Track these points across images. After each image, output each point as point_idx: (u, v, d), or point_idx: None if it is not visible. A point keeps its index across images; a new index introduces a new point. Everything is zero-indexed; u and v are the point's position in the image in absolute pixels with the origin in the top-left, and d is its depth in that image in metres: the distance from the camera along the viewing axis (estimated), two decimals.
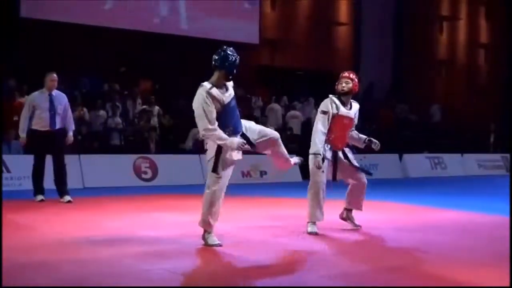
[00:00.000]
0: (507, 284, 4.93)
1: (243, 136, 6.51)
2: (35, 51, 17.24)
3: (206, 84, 6.33)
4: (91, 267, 5.46)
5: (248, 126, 6.70)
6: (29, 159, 10.68)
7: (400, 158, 18.58)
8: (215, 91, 6.29)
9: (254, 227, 7.82)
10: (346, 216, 7.80)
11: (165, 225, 7.99)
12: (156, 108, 16.62)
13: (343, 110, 7.47)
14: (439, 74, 27.19)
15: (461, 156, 20.22)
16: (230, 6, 20.38)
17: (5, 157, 12.41)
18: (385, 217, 9.00)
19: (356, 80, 7.64)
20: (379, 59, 24.79)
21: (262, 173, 15.48)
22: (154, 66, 18.92)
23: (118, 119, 15.99)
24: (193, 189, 12.94)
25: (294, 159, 7.26)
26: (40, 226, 7.71)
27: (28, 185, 11.20)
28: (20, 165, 12.24)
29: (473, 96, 26.98)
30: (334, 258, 6.21)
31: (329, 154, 7.41)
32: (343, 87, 7.55)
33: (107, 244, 6.52)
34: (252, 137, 6.60)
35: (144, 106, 16.80)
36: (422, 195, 12.96)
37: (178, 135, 16.86)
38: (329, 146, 7.42)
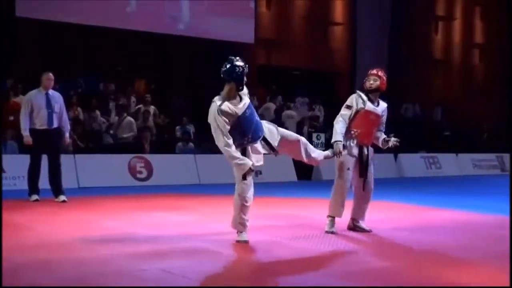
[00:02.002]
0: (507, 284, 4.92)
1: (264, 140, 6.61)
2: (30, 51, 17.20)
3: (217, 100, 6.42)
4: (88, 267, 5.44)
5: (270, 129, 6.74)
6: (24, 158, 10.65)
7: (395, 158, 18.60)
8: (226, 106, 6.36)
9: (250, 227, 7.80)
10: (353, 225, 7.66)
11: (161, 225, 7.97)
12: (152, 107, 16.60)
13: (370, 106, 7.41)
14: (434, 74, 27.22)
15: (456, 156, 20.24)
16: (225, 5, 20.34)
17: None
18: (382, 216, 8.99)
19: (384, 77, 7.55)
20: (375, 59, 24.74)
21: (258, 173, 15.45)
22: (149, 66, 18.90)
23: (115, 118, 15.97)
24: (189, 189, 12.97)
25: (324, 154, 7.27)
26: (35, 226, 7.68)
27: (23, 185, 11.19)
28: (15, 165, 12.19)
29: (469, 96, 27.02)
30: (330, 258, 6.20)
31: (355, 151, 7.35)
32: (371, 84, 7.46)
33: (103, 244, 6.50)
34: (273, 142, 6.68)
35: (140, 106, 16.78)
36: (418, 194, 12.98)
37: (173, 135, 16.84)
38: (355, 141, 7.35)
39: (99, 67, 18.31)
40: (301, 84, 22.85)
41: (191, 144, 16.44)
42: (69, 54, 17.91)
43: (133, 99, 17.27)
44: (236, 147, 6.42)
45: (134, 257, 5.84)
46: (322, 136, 17.17)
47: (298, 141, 6.94)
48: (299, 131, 7.16)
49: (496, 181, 17.52)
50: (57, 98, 10.25)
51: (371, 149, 7.57)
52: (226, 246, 6.38)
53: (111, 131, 14.85)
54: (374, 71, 7.57)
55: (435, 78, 27.20)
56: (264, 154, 6.68)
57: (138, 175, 14.00)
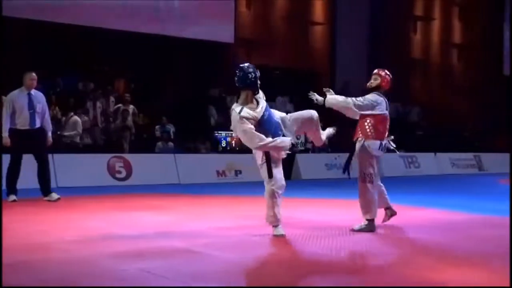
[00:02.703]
0: (507, 284, 4.93)
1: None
2: (8, 50, 17.02)
3: (236, 108, 6.65)
4: (67, 268, 5.40)
5: (283, 120, 7.00)
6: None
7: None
8: (245, 112, 6.60)
9: (230, 226, 7.80)
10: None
11: (140, 224, 7.94)
12: (131, 107, 16.54)
13: None
14: (413, 74, 27.40)
15: (435, 155, 20.40)
16: (204, 5, 20.30)
17: None
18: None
19: (387, 76, 7.73)
20: (355, 59, 24.89)
21: (237, 172, 15.48)
22: (129, 66, 18.80)
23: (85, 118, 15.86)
24: (168, 189, 12.94)
25: (327, 132, 7.57)
26: (13, 226, 7.60)
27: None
28: None
29: (447, 95, 27.23)
30: (311, 258, 6.21)
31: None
32: (371, 83, 7.69)
33: (82, 244, 6.47)
34: (290, 130, 6.99)
35: (119, 105, 16.70)
36: (397, 194, 12.99)
37: (153, 134, 16.80)
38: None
39: (78, 66, 18.18)
40: (281, 83, 22.87)
41: (170, 144, 16.42)
42: (47, 53, 17.75)
43: (112, 98, 17.19)
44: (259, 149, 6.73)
45: (113, 257, 5.81)
46: (302, 135, 17.21)
47: (312, 118, 7.25)
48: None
49: (474, 180, 17.68)
50: (39, 98, 10.21)
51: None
52: (205, 246, 6.37)
53: (58, 132, 14.60)
54: (376, 70, 7.77)
55: (414, 77, 27.38)
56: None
57: (117, 175, 13.94)
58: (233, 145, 16.95)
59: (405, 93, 25.99)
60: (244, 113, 6.59)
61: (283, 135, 6.85)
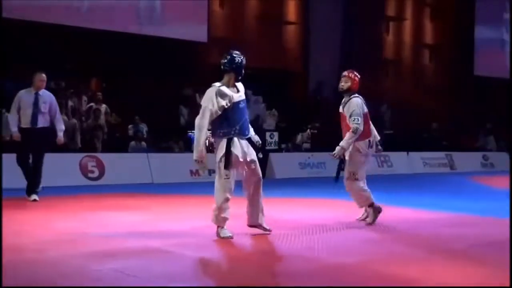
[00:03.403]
0: (507, 284, 4.98)
1: (249, 140, 7.00)
2: None
3: (216, 84, 6.82)
4: (39, 268, 5.38)
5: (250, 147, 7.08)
6: None
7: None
8: (225, 88, 6.76)
9: (203, 226, 7.79)
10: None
11: (113, 224, 7.90)
12: (104, 106, 16.42)
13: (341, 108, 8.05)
14: (386, 74, 27.59)
15: (407, 154, 20.57)
16: (178, 4, 20.23)
17: None
18: (335, 214, 9.08)
19: (356, 78, 7.99)
20: (328, 58, 24.98)
21: (211, 172, 15.42)
22: (101, 65, 18.67)
23: (64, 117, 15.73)
24: (141, 188, 12.88)
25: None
26: None
27: None
28: None
29: (418, 95, 27.46)
30: (284, 256, 6.23)
31: None
32: (342, 85, 7.98)
33: (55, 245, 6.43)
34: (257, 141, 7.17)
35: (91, 104, 16.57)
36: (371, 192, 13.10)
37: (126, 134, 16.70)
38: None
39: (50, 65, 17.99)
40: (254, 83, 22.87)
41: (143, 143, 16.33)
42: (20, 52, 17.55)
43: (84, 98, 17.05)
44: (222, 137, 6.76)
45: (86, 257, 5.78)
46: (276, 134, 17.30)
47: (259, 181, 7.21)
48: (255, 129, 7.31)
49: (445, 179, 17.87)
50: (46, 98, 10.33)
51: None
52: (179, 246, 6.36)
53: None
54: (346, 73, 8.02)
55: (386, 77, 27.57)
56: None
57: (90, 175, 13.83)
58: (207, 144, 16.91)
59: (377, 93, 26.17)
60: (223, 89, 6.76)
61: (250, 140, 7.01)
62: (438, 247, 6.72)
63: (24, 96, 10.23)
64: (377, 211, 8.05)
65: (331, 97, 24.96)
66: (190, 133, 17.32)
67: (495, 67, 27.83)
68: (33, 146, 10.28)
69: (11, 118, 10.32)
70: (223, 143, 6.77)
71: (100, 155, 14.32)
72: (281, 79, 23.54)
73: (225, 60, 6.96)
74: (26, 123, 10.16)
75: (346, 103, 7.96)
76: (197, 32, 20.66)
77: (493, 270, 5.42)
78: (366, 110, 7.99)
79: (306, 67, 24.87)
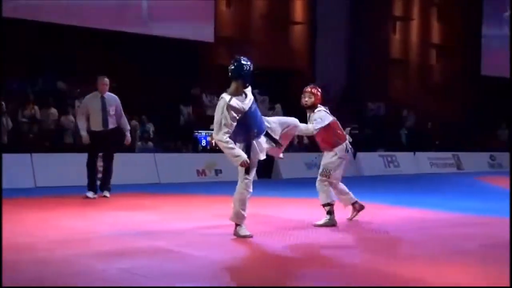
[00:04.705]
0: (507, 284, 4.99)
1: (267, 134, 7.03)
2: None
3: (225, 96, 6.73)
4: (47, 267, 5.39)
5: (270, 121, 7.20)
6: None
7: (354, 156, 18.78)
8: (234, 102, 6.68)
9: (210, 226, 7.81)
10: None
11: (120, 224, 7.92)
12: None
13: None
14: (392, 73, 27.55)
15: (414, 154, 20.54)
16: (185, 4, 20.26)
17: None
18: (340, 215, 9.07)
19: (318, 93, 8.14)
20: (334, 58, 24.97)
21: (218, 172, 15.46)
22: (109, 65, 18.70)
23: (71, 118, 15.81)
24: (148, 188, 12.90)
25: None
26: None
27: None
28: None
29: (425, 95, 27.40)
30: (289, 257, 6.23)
31: None
32: (306, 101, 8.10)
33: (62, 244, 6.45)
34: (276, 132, 7.16)
35: None
36: (376, 193, 13.11)
37: (133, 134, 16.72)
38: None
39: (58, 65, 18.05)
40: (261, 82, 22.86)
41: (150, 143, 16.37)
42: (27, 53, 17.62)
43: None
44: (242, 142, 6.80)
45: (94, 257, 5.80)
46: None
47: (296, 126, 7.57)
48: None
49: (452, 179, 17.83)
50: (112, 101, 10.73)
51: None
52: (186, 246, 6.37)
53: None
54: (309, 89, 8.16)
55: (393, 77, 27.53)
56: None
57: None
58: (213, 144, 16.94)
59: (384, 93, 26.15)
60: (233, 103, 6.68)
61: (267, 131, 7.02)
62: (444, 247, 6.71)
63: (91, 101, 10.68)
64: (331, 217, 7.95)
65: (338, 97, 25.00)
66: (196, 133, 17.37)
67: (502, 67, 27.72)
68: (105, 147, 10.77)
69: (80, 122, 10.73)
70: (243, 149, 6.80)
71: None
72: (287, 78, 23.52)
73: (233, 67, 6.83)
74: (97, 126, 10.59)
75: (311, 117, 8.16)
76: (204, 32, 20.69)
77: (499, 270, 5.41)
78: (334, 118, 8.17)
79: (312, 66, 24.85)
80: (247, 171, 6.79)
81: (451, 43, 28.83)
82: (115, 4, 18.93)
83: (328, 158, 8.13)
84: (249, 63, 6.87)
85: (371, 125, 22.90)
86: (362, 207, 8.41)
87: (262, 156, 6.96)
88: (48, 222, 8.04)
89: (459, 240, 7.13)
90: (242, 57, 6.94)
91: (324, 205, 8.00)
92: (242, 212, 6.87)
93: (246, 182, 6.83)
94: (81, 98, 16.86)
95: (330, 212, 7.94)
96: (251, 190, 6.87)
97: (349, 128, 8.51)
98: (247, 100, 6.82)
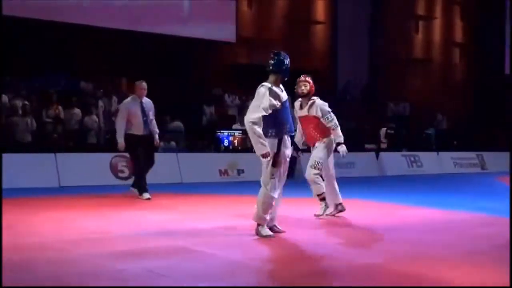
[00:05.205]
0: (507, 284, 4.96)
1: (292, 138, 7.22)
2: (11, 49, 17.05)
3: (267, 84, 6.88)
4: (66, 267, 5.41)
5: None
6: (4, 157, 10.68)
7: (377, 156, 18.70)
8: (276, 88, 6.86)
9: (232, 226, 7.82)
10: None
11: (142, 224, 7.97)
12: None
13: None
14: (414, 73, 27.39)
15: (437, 154, 20.39)
16: (206, 4, 20.32)
17: None
18: (362, 215, 9.05)
19: (311, 82, 8.45)
20: (356, 58, 24.90)
21: (240, 172, 15.48)
22: (131, 65, 18.83)
23: (95, 118, 15.94)
24: (171, 188, 12.95)
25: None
26: (15, 225, 7.63)
27: (3, 184, 11.21)
28: None
29: (448, 94, 27.20)
30: (312, 255, 6.22)
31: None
32: (302, 90, 8.39)
33: (83, 243, 6.48)
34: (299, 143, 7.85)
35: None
36: (399, 193, 13.05)
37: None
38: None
39: (81, 65, 18.21)
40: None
41: (173, 143, 16.43)
42: (49, 53, 17.78)
43: (114, 98, 17.20)
44: (275, 137, 6.81)
45: (114, 256, 5.82)
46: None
47: None
48: None
49: (474, 179, 17.67)
50: (149, 106, 10.88)
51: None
52: (207, 245, 6.38)
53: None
54: (303, 78, 8.47)
55: (415, 77, 27.37)
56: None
57: (120, 174, 13.95)
58: (236, 144, 16.97)
59: (406, 92, 26.01)
60: (274, 89, 6.83)
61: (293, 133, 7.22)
62: (463, 247, 6.67)
63: (131, 105, 10.78)
64: (326, 205, 8.45)
65: (359, 96, 24.91)
66: (218, 133, 17.40)
67: None
68: (147, 150, 10.90)
69: (119, 127, 10.79)
70: (274, 142, 6.80)
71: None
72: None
73: (274, 61, 6.97)
74: (139, 130, 10.71)
75: (310, 106, 8.37)
76: (226, 32, 20.74)
77: None
78: None
79: (334, 66, 24.79)
80: (275, 164, 6.76)
81: (474, 42, 28.60)
82: (139, 4, 19.04)
83: (319, 150, 8.42)
84: (288, 59, 7.01)
85: (394, 124, 22.78)
86: (343, 210, 8.60)
87: (289, 152, 7.03)
88: (68, 222, 8.10)
89: (480, 240, 7.09)
90: (281, 52, 7.05)
91: (318, 195, 8.40)
92: (264, 215, 6.86)
93: (271, 183, 6.80)
94: (104, 99, 17.04)
95: (324, 199, 8.40)
96: (275, 195, 6.83)
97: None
98: (283, 94, 6.97)
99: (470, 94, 27.77)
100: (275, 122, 6.79)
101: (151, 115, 10.88)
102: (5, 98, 14.90)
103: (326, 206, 8.42)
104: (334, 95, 24.51)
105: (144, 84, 10.91)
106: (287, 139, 6.98)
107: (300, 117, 8.53)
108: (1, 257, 5.33)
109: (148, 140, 10.85)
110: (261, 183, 6.91)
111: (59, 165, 13.13)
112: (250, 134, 6.70)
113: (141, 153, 10.84)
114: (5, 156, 12.65)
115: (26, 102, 14.84)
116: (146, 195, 10.74)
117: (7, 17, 16.94)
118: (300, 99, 8.51)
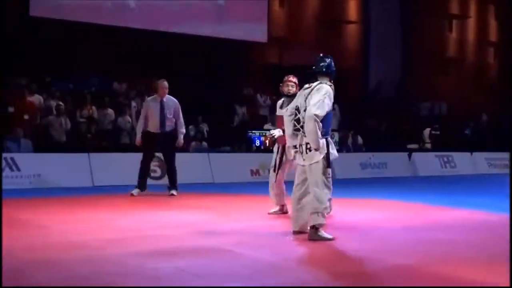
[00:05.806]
0: (507, 284, 4.91)
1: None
2: (45, 50, 17.30)
3: (328, 83, 6.99)
4: (99, 266, 5.46)
5: None
6: (39, 157, 10.88)
7: (410, 156, 18.54)
8: (332, 91, 6.94)
9: (263, 226, 7.83)
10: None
11: (174, 223, 8.01)
12: None
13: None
14: (448, 72, 27.11)
15: (471, 155, 20.15)
16: (238, 4, 20.37)
17: (15, 155, 12.45)
18: (394, 216, 8.99)
19: (297, 83, 8.62)
20: (388, 57, 24.74)
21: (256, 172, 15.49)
22: (162, 65, 18.96)
23: (128, 118, 16.09)
24: (202, 188, 13.01)
25: None
26: (51, 225, 7.74)
27: (38, 183, 11.41)
28: (30, 164, 12.32)
29: (483, 94, 26.87)
30: (343, 257, 6.20)
31: None
32: (289, 89, 8.60)
33: (115, 243, 6.54)
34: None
35: None
36: (432, 194, 12.93)
37: (187, 134, 16.89)
38: None
39: (114, 66, 18.39)
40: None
41: (204, 143, 16.50)
42: (82, 54, 18.00)
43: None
44: (323, 136, 6.79)
45: (147, 255, 5.85)
46: (336, 134, 17.24)
47: None
48: None
49: (506, 180, 17.40)
50: (171, 104, 11.10)
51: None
52: (238, 245, 6.39)
53: None
54: (291, 78, 8.70)
55: (449, 76, 27.09)
56: None
57: (152, 174, 14.00)
58: (267, 144, 16.97)
59: (440, 92, 25.75)
60: (332, 90, 6.91)
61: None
62: (493, 248, 6.58)
63: (151, 104, 11.05)
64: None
65: (391, 96, 24.72)
66: (250, 133, 17.42)
67: None
68: (164, 148, 11.24)
69: (138, 124, 11.24)
70: (324, 142, 6.79)
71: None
72: (340, 78, 23.41)
73: (324, 63, 7.10)
74: (155, 128, 10.94)
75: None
76: (257, 32, 20.76)
77: None
78: None
79: (365, 66, 24.67)
80: (328, 164, 6.80)
81: (508, 41, 28.20)
82: (172, 5, 19.16)
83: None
84: (333, 62, 7.15)
85: (427, 124, 22.57)
86: (286, 212, 8.70)
87: (336, 154, 7.06)
88: (100, 221, 8.16)
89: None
90: (328, 56, 7.20)
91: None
92: (325, 214, 6.78)
93: (324, 179, 6.78)
94: (136, 99, 17.19)
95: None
96: (327, 186, 6.82)
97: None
98: None
99: (505, 94, 27.38)
100: (324, 123, 6.78)
101: (170, 114, 11.00)
102: (40, 98, 15.12)
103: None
104: (365, 95, 24.42)
105: (165, 83, 11.12)
106: (330, 141, 6.98)
107: (279, 116, 8.60)
108: (1, 257, 5.31)
109: (165, 139, 10.99)
110: (312, 191, 6.79)
111: (92, 165, 13.28)
112: (310, 127, 6.64)
113: (154, 151, 11.24)
114: (40, 155, 12.85)
115: (60, 103, 15.03)
116: (135, 191, 10.96)
117: (43, 19, 17.22)
118: (283, 98, 8.67)
